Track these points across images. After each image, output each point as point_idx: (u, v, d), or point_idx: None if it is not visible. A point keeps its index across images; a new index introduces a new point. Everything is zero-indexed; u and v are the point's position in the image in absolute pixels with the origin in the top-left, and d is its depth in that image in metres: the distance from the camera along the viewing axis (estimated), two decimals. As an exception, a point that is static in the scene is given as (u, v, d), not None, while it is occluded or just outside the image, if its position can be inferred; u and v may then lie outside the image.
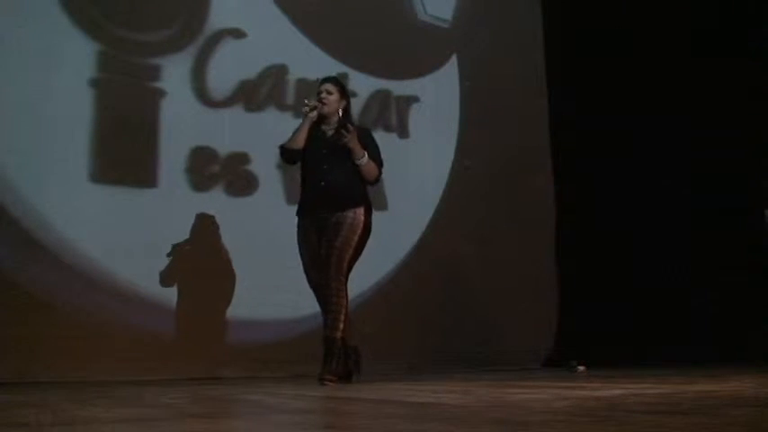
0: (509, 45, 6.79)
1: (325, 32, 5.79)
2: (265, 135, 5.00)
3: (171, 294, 4.99)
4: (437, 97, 6.36)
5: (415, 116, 6.23)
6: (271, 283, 5.04)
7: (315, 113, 4.09)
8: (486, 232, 6.24)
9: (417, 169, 6.11)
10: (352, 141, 3.96)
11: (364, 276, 5.46)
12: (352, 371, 4.03)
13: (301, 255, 4.06)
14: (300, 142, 4.06)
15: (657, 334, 6.19)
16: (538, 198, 6.72)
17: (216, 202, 5.21)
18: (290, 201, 5.15)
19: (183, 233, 5.02)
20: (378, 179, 4.15)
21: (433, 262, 5.95)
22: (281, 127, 4.63)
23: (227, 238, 5.13)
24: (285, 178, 5.36)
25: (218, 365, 4.90)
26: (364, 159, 4.01)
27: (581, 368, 5.50)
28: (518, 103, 6.71)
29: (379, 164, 4.11)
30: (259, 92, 5.50)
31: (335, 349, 3.89)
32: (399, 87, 6.18)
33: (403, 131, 6.18)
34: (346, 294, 3.94)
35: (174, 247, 4.97)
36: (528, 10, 7.04)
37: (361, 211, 4.01)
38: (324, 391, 3.46)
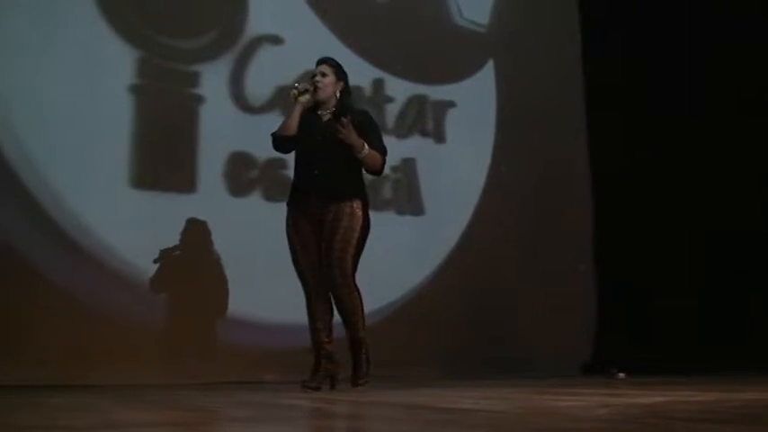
0: (546, 49, 6.73)
1: (362, 38, 5.80)
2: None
3: (210, 299, 5.03)
4: (474, 102, 6.32)
5: (452, 121, 6.20)
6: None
7: (307, 97, 3.77)
8: (523, 237, 6.19)
9: (454, 174, 6.07)
10: (350, 137, 3.62)
11: (402, 282, 5.48)
12: (335, 376, 3.80)
13: (291, 245, 3.80)
14: (292, 129, 3.76)
15: (701, 340, 6.08)
16: (575, 202, 6.65)
17: (254, 207, 5.24)
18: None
19: (221, 238, 5.05)
20: (382, 169, 3.82)
21: (471, 267, 5.91)
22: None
23: (266, 244, 5.13)
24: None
25: (256, 370, 4.92)
26: (365, 151, 3.67)
27: (621, 375, 5.43)
28: (555, 108, 6.65)
29: (383, 151, 3.77)
30: (296, 98, 5.51)
31: (362, 350, 3.79)
32: (436, 92, 6.16)
33: (439, 137, 6.16)
34: (359, 293, 3.73)
35: (209, 251, 5.00)
36: (565, 14, 6.98)
37: (359, 204, 3.72)
38: (361, 395, 3.45)
